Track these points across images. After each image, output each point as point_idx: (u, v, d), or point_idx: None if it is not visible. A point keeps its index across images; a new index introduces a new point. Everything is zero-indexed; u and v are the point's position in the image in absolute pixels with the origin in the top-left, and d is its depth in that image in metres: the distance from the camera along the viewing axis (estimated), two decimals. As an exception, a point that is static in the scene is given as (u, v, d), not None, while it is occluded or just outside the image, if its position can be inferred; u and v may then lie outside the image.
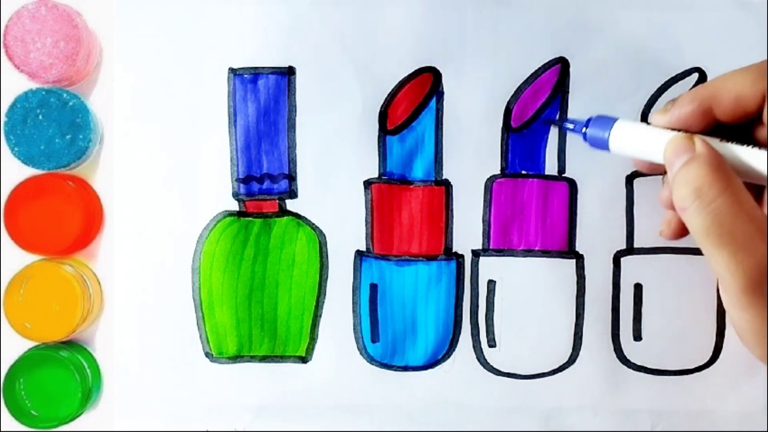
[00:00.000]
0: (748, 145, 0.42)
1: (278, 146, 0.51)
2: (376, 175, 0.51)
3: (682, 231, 0.46)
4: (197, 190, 0.51)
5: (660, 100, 0.50)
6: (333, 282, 0.51)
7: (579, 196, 0.51)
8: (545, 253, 0.51)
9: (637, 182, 0.50)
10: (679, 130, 0.43)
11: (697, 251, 0.50)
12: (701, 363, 0.50)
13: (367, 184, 0.51)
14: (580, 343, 0.51)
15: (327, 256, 0.51)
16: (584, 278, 0.51)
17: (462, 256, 0.51)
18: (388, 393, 0.51)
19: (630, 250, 0.51)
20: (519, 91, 0.50)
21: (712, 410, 0.51)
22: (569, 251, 0.51)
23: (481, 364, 0.51)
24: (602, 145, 0.45)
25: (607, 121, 0.45)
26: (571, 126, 0.47)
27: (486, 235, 0.51)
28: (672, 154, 0.42)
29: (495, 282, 0.51)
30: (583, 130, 0.46)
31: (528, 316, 0.51)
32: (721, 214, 0.39)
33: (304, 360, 0.51)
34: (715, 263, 0.39)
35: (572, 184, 0.51)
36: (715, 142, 0.42)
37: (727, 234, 0.39)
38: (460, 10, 0.50)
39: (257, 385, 0.51)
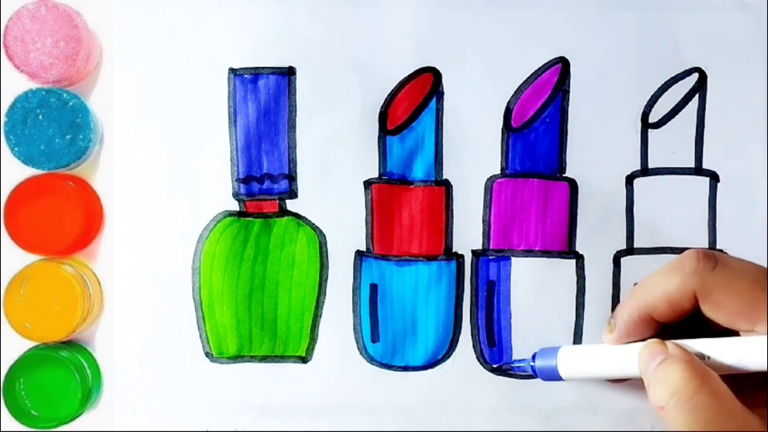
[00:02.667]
0: (708, 337, 0.43)
1: (278, 146, 0.51)
2: (376, 175, 0.51)
3: None
4: (197, 190, 0.51)
5: (660, 100, 0.50)
6: (333, 282, 0.51)
7: (579, 196, 0.51)
8: (545, 253, 0.51)
9: (637, 182, 0.51)
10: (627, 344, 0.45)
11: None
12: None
13: (367, 184, 0.51)
14: (580, 343, 0.51)
15: (327, 256, 0.51)
16: (584, 278, 0.51)
17: (462, 256, 0.51)
18: (388, 393, 0.51)
19: (630, 250, 0.51)
20: (519, 91, 0.50)
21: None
22: (569, 251, 0.51)
23: (481, 364, 0.51)
24: (553, 375, 0.47)
25: (551, 351, 0.48)
26: (520, 365, 0.49)
27: (486, 235, 0.51)
28: (647, 357, 0.43)
29: (495, 282, 0.51)
30: (531, 363, 0.48)
31: (528, 316, 0.51)
32: (701, 410, 0.39)
33: (304, 360, 0.51)
34: None
35: (572, 184, 0.51)
36: (685, 343, 0.43)
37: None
38: (460, 10, 0.50)
39: (257, 385, 0.51)
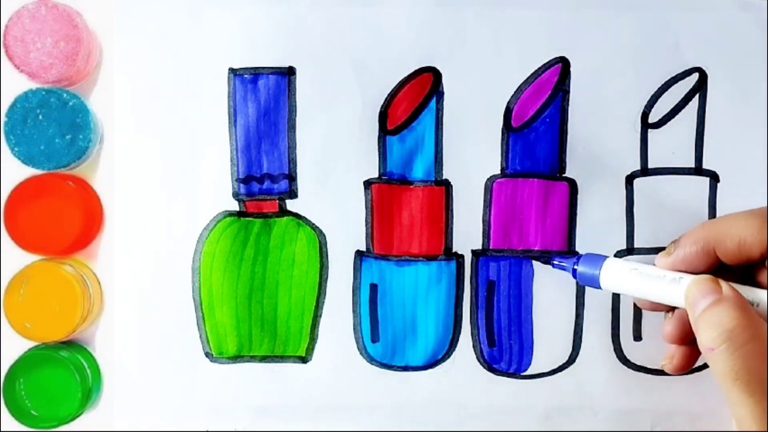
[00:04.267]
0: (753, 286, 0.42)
1: (278, 146, 0.51)
2: (376, 175, 0.51)
3: (687, 365, 0.47)
4: (197, 190, 0.51)
5: (660, 100, 0.50)
6: (333, 282, 0.51)
7: (579, 196, 0.51)
8: (545, 253, 0.51)
9: (637, 182, 0.51)
10: (678, 271, 0.44)
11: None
12: (701, 363, 0.50)
13: (367, 184, 0.51)
14: (580, 343, 0.51)
15: (327, 256, 0.51)
16: (584, 278, 0.51)
17: (462, 256, 0.51)
18: (388, 393, 0.51)
19: (630, 250, 0.51)
20: (519, 90, 0.50)
21: (712, 410, 0.51)
22: (569, 251, 0.51)
23: (481, 364, 0.51)
24: (593, 282, 0.46)
25: (597, 259, 0.46)
26: (562, 263, 0.48)
27: (486, 235, 0.51)
28: (697, 293, 0.42)
29: (495, 282, 0.51)
30: (573, 266, 0.47)
31: (528, 316, 0.51)
32: (751, 359, 0.39)
33: (304, 360, 0.51)
34: (740, 407, 0.39)
35: (572, 184, 0.51)
36: (739, 287, 0.42)
37: (757, 381, 0.39)
38: (460, 10, 0.50)
39: (257, 385, 0.51)
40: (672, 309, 0.46)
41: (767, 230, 0.42)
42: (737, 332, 0.40)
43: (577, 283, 0.51)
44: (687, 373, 0.50)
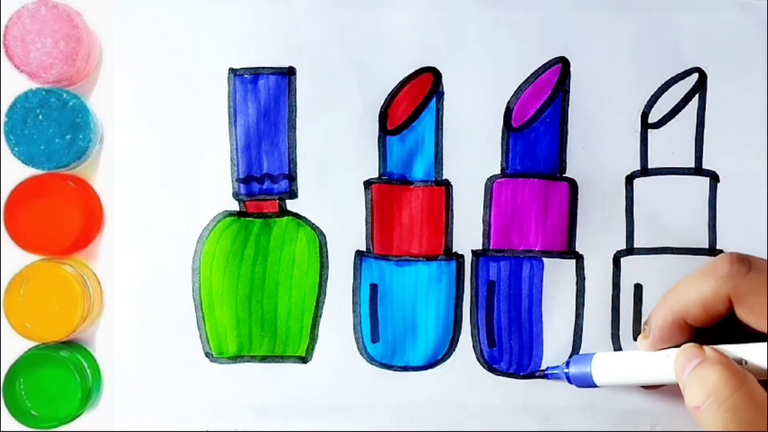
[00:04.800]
0: (742, 342, 0.43)
1: (278, 146, 0.51)
2: (376, 175, 0.51)
3: None
4: (197, 190, 0.51)
5: (660, 100, 0.50)
6: (333, 282, 0.51)
7: (579, 196, 0.51)
8: (545, 253, 0.51)
9: (637, 182, 0.51)
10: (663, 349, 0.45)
11: (696, 251, 0.50)
12: (701, 363, 0.51)
13: (367, 184, 0.51)
14: (580, 343, 0.51)
15: (327, 256, 0.51)
16: (584, 278, 0.51)
17: (462, 256, 0.51)
18: (388, 393, 0.51)
19: (630, 250, 0.51)
20: (519, 90, 0.50)
21: (712, 410, 0.51)
22: (569, 251, 0.51)
23: (481, 364, 0.51)
24: (587, 382, 0.48)
25: (585, 358, 0.48)
26: (554, 371, 0.50)
27: (486, 235, 0.51)
28: (684, 360, 0.43)
29: (495, 282, 0.51)
30: (564, 370, 0.49)
31: (528, 316, 0.51)
32: (738, 410, 0.40)
33: (304, 360, 0.51)
34: None
35: (572, 184, 0.51)
36: (722, 347, 0.43)
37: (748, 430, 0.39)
38: (460, 10, 0.50)
39: (257, 385, 0.51)
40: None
41: (727, 285, 0.42)
42: (720, 386, 0.40)
43: (577, 283, 0.51)
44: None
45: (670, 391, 0.50)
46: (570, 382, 0.49)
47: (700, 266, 0.44)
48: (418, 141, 0.51)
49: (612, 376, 0.47)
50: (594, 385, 0.48)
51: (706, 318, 0.43)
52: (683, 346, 0.44)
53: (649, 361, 0.46)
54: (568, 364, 0.49)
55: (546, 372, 0.50)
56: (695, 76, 0.50)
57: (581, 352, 0.51)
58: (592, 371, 0.48)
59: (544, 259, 0.51)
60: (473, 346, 0.51)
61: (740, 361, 0.42)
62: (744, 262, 0.42)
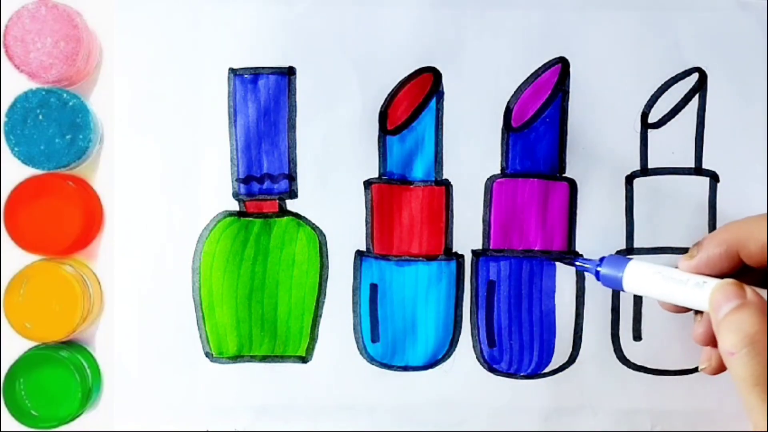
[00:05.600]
0: None
1: (278, 146, 0.51)
2: (376, 175, 0.51)
3: (724, 366, 0.46)
4: (197, 190, 0.51)
5: (660, 100, 0.50)
6: (333, 282, 0.51)
7: (579, 196, 0.51)
8: (545, 253, 0.51)
9: (637, 182, 0.51)
10: (702, 274, 0.44)
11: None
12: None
13: (367, 184, 0.51)
14: (580, 343, 0.51)
15: (327, 256, 0.51)
16: (584, 278, 0.51)
17: (462, 256, 0.51)
18: (388, 393, 0.51)
19: (630, 250, 0.51)
20: (519, 90, 0.50)
21: (712, 410, 0.51)
22: (569, 251, 0.51)
23: (481, 364, 0.51)
24: (616, 284, 0.46)
25: (621, 261, 0.46)
26: (584, 264, 0.47)
27: (486, 235, 0.51)
28: (721, 298, 0.42)
29: (495, 282, 0.51)
30: (597, 268, 0.46)
31: (528, 316, 0.51)
32: None
33: (304, 360, 0.51)
34: (758, 413, 0.39)
35: (572, 184, 0.51)
36: (763, 292, 0.42)
37: None
38: (460, 10, 0.50)
39: (257, 385, 0.51)
40: (699, 311, 0.46)
41: None
42: (758, 337, 0.40)
43: (577, 283, 0.51)
44: (687, 373, 0.51)
45: (670, 390, 0.50)
46: (597, 278, 0.47)
47: None
48: (418, 141, 0.51)
49: (642, 286, 0.45)
50: (621, 289, 0.46)
51: (761, 259, 0.42)
52: (724, 281, 0.42)
53: (684, 283, 0.44)
54: (601, 261, 0.46)
55: (575, 261, 0.48)
56: (695, 76, 0.50)
57: (581, 352, 0.51)
58: (624, 276, 0.45)
59: (544, 258, 0.51)
60: (473, 346, 0.51)
61: None
62: None
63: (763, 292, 0.42)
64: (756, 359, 0.39)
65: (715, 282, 0.43)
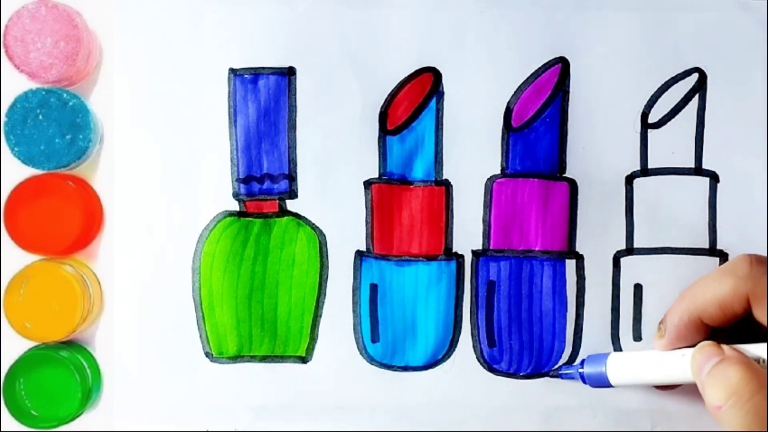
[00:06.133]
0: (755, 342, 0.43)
1: (278, 146, 0.51)
2: (376, 175, 0.51)
3: None
4: (197, 190, 0.51)
5: (660, 100, 0.50)
6: (333, 282, 0.51)
7: (579, 196, 0.51)
8: (545, 253, 0.51)
9: (637, 182, 0.51)
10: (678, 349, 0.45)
11: (696, 251, 0.50)
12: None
13: (367, 184, 0.51)
14: (580, 343, 0.51)
15: (327, 256, 0.51)
16: (584, 278, 0.51)
17: (462, 256, 0.51)
18: (388, 393, 0.51)
19: (630, 250, 0.51)
20: (519, 90, 0.50)
21: (712, 410, 0.51)
22: (569, 251, 0.51)
23: (481, 364, 0.51)
24: (602, 382, 0.48)
25: (600, 357, 0.48)
26: (568, 371, 0.50)
27: (486, 235, 0.51)
28: (701, 359, 0.43)
29: (495, 282, 0.51)
30: (579, 370, 0.49)
31: (528, 316, 0.51)
32: (761, 410, 0.40)
33: (304, 360, 0.51)
34: None
35: (572, 184, 0.51)
36: (739, 347, 0.43)
37: None
38: (460, 10, 0.50)
39: (257, 385, 0.51)
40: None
41: (746, 285, 0.43)
42: (742, 386, 0.40)
43: (577, 283, 0.51)
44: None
45: (669, 391, 0.50)
46: (584, 382, 0.49)
47: (718, 267, 0.45)
48: (418, 141, 0.51)
49: (627, 376, 0.47)
50: (609, 385, 0.48)
51: (723, 318, 0.44)
52: (700, 344, 0.44)
53: (665, 361, 0.46)
54: (582, 364, 0.49)
55: (560, 372, 0.50)
56: (695, 76, 0.50)
57: (581, 352, 0.51)
58: (607, 371, 0.48)
59: (544, 258, 0.51)
60: (473, 346, 0.51)
61: (757, 360, 0.42)
62: (763, 262, 0.43)
63: (739, 347, 0.43)
64: (743, 409, 0.40)
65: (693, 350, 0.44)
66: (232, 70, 0.50)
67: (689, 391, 0.50)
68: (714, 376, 0.42)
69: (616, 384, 0.48)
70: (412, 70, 0.50)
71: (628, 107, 0.50)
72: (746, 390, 0.40)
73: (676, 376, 0.45)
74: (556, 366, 0.50)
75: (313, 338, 0.51)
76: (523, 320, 0.51)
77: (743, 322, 0.44)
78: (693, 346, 0.45)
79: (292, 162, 0.51)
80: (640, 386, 0.50)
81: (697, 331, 0.45)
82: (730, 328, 0.44)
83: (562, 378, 0.50)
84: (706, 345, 0.44)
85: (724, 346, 0.43)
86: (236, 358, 0.51)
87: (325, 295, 0.51)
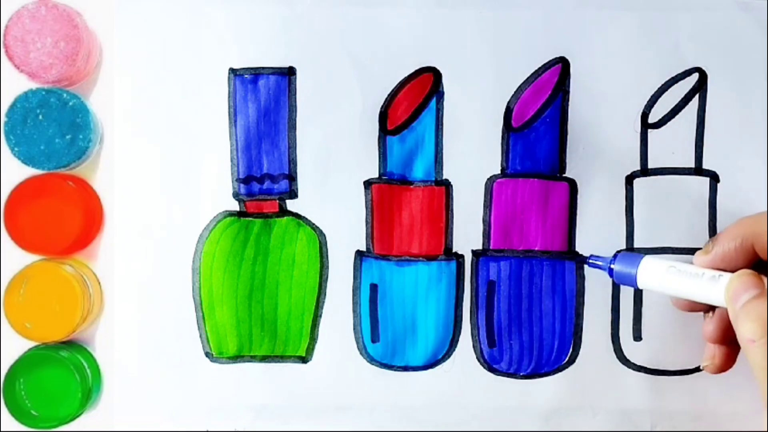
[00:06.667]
0: None
1: (278, 146, 0.51)
2: (376, 175, 0.51)
3: (728, 365, 0.47)
4: (197, 190, 0.51)
5: (660, 100, 0.50)
6: (333, 282, 0.51)
7: (579, 196, 0.51)
8: (545, 253, 0.51)
9: (637, 182, 0.51)
10: (717, 269, 0.44)
11: (696, 251, 0.50)
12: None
13: (367, 184, 0.51)
14: (580, 343, 0.51)
15: (327, 256, 0.51)
16: (584, 278, 0.51)
17: (462, 256, 0.51)
18: (388, 393, 0.51)
19: (630, 250, 0.51)
20: (519, 90, 0.50)
21: (712, 410, 0.51)
22: (569, 251, 0.51)
23: (481, 364, 0.51)
24: (630, 281, 0.46)
25: (634, 258, 0.46)
26: (597, 262, 0.47)
27: (486, 235, 0.51)
28: (740, 287, 0.42)
29: (495, 282, 0.51)
30: (610, 265, 0.46)
31: (528, 316, 0.51)
32: None
33: (304, 360, 0.51)
34: None
35: (572, 184, 0.51)
36: None
37: None
38: (460, 10, 0.50)
39: (257, 385, 0.51)
40: (710, 309, 0.46)
41: None
42: None
43: (577, 283, 0.51)
44: (687, 373, 0.51)
45: (670, 390, 0.50)
46: (611, 276, 0.47)
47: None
48: (418, 141, 0.51)
49: (656, 282, 0.45)
50: (635, 286, 0.46)
51: None
52: (740, 271, 0.43)
53: (700, 277, 0.44)
54: (615, 258, 0.47)
55: (589, 259, 0.48)
56: (695, 76, 0.50)
57: (581, 352, 0.51)
58: (638, 272, 0.45)
59: (544, 258, 0.51)
60: (473, 346, 0.51)
61: None
62: None
63: None
64: None
65: (730, 275, 0.43)
66: (232, 70, 0.50)
67: (690, 391, 0.50)
68: (752, 309, 0.41)
69: (642, 286, 0.46)
70: (412, 70, 0.50)
71: (628, 107, 0.50)
72: None
73: (706, 295, 0.44)
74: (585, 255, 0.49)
75: (313, 338, 0.51)
76: (523, 320, 0.51)
77: None
78: (733, 271, 0.43)
79: (292, 162, 0.51)
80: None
81: (744, 259, 0.44)
82: None
83: (589, 266, 0.48)
84: (747, 273, 0.42)
85: (765, 279, 0.42)
86: (236, 358, 0.51)
87: (325, 295, 0.51)
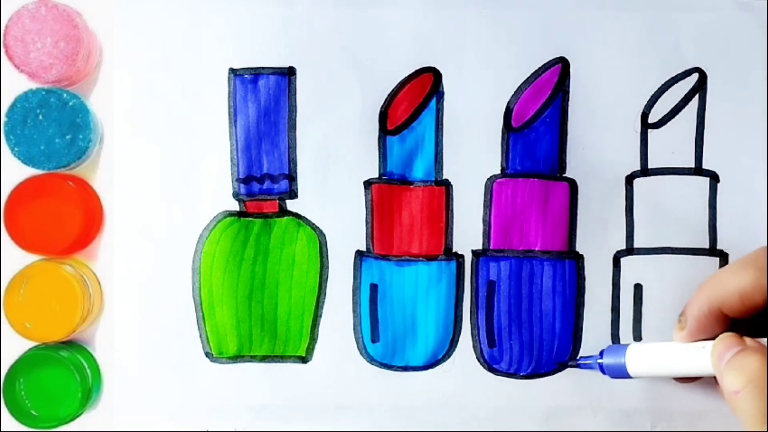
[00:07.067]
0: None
1: (278, 146, 0.51)
2: (376, 175, 0.51)
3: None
4: (197, 190, 0.51)
5: (660, 100, 0.50)
6: (333, 282, 0.51)
7: (579, 196, 0.51)
8: (545, 253, 0.51)
9: (637, 182, 0.51)
10: (698, 341, 0.45)
11: (696, 251, 0.50)
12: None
13: (367, 184, 0.51)
14: (580, 343, 0.51)
15: (327, 256, 0.51)
16: (584, 278, 0.51)
17: (462, 256, 0.51)
18: (388, 393, 0.51)
19: (630, 250, 0.51)
20: (519, 90, 0.50)
21: (712, 410, 0.51)
22: (569, 251, 0.51)
23: (481, 364, 0.51)
24: (621, 373, 0.48)
25: (620, 349, 0.48)
26: (587, 362, 0.49)
27: (486, 235, 0.51)
28: (722, 348, 0.43)
29: (495, 282, 0.51)
30: (598, 360, 0.48)
31: (528, 316, 0.51)
32: None
33: (304, 360, 0.51)
34: None
35: (572, 184, 0.51)
36: (761, 340, 0.43)
37: None
38: (460, 10, 0.50)
39: (257, 385, 0.51)
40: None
41: (765, 276, 0.43)
42: (762, 372, 0.41)
43: (577, 283, 0.51)
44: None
45: (670, 390, 0.50)
46: (603, 372, 0.48)
47: (739, 258, 0.44)
48: (418, 141, 0.51)
49: (647, 368, 0.47)
50: (627, 376, 0.47)
51: (743, 309, 0.43)
52: (722, 335, 0.44)
53: (685, 353, 0.45)
54: (601, 354, 0.48)
55: (579, 362, 0.50)
56: (695, 76, 0.50)
57: (581, 352, 0.51)
58: (627, 362, 0.47)
59: (544, 258, 0.51)
60: (473, 346, 0.51)
61: None
62: None
63: (761, 340, 0.43)
64: (760, 395, 0.40)
65: (713, 342, 0.44)
66: (232, 70, 0.50)
67: (689, 391, 0.50)
68: (733, 364, 0.42)
69: (635, 375, 0.47)
70: (412, 70, 0.50)
71: (628, 107, 0.50)
72: (765, 380, 0.40)
73: (696, 368, 0.45)
74: (575, 358, 0.50)
75: (313, 338, 0.51)
76: (523, 320, 0.51)
77: (764, 314, 0.44)
78: (713, 338, 0.44)
79: (292, 162, 0.51)
80: (657, 378, 0.49)
81: (717, 323, 0.44)
82: (750, 320, 0.44)
83: (580, 368, 0.50)
84: (728, 335, 0.43)
85: (746, 338, 0.43)
86: (236, 358, 0.51)
87: (325, 295, 0.51)
